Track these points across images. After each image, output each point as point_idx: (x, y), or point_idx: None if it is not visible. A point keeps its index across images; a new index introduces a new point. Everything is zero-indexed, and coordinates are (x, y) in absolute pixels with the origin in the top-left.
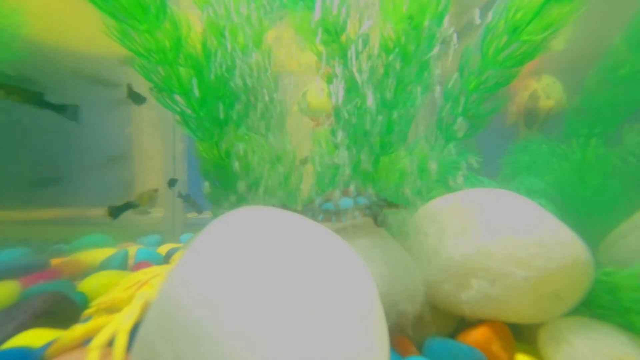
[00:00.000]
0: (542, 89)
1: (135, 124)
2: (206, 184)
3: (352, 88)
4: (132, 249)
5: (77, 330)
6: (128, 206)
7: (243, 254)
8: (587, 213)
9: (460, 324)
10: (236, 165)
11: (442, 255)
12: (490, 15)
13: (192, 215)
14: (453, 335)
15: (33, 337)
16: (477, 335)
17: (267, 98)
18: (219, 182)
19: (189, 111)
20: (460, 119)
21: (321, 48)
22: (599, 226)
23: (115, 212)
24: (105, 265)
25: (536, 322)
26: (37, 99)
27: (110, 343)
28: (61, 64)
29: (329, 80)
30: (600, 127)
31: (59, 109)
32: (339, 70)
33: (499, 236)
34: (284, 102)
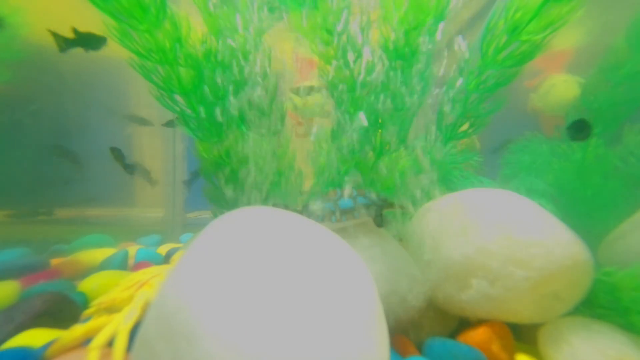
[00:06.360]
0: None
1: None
2: (206, 183)
3: (351, 88)
4: (132, 249)
5: (77, 330)
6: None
7: (243, 255)
8: (587, 213)
9: (460, 324)
10: (236, 165)
11: (442, 255)
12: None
13: (192, 215)
14: (453, 335)
15: (33, 337)
16: (477, 335)
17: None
18: (218, 182)
19: (189, 111)
20: (460, 119)
21: (322, 48)
22: (599, 226)
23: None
24: (105, 265)
25: (536, 322)
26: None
27: (110, 343)
28: (61, 64)
29: (331, 83)
30: (600, 127)
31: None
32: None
33: (499, 236)
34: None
